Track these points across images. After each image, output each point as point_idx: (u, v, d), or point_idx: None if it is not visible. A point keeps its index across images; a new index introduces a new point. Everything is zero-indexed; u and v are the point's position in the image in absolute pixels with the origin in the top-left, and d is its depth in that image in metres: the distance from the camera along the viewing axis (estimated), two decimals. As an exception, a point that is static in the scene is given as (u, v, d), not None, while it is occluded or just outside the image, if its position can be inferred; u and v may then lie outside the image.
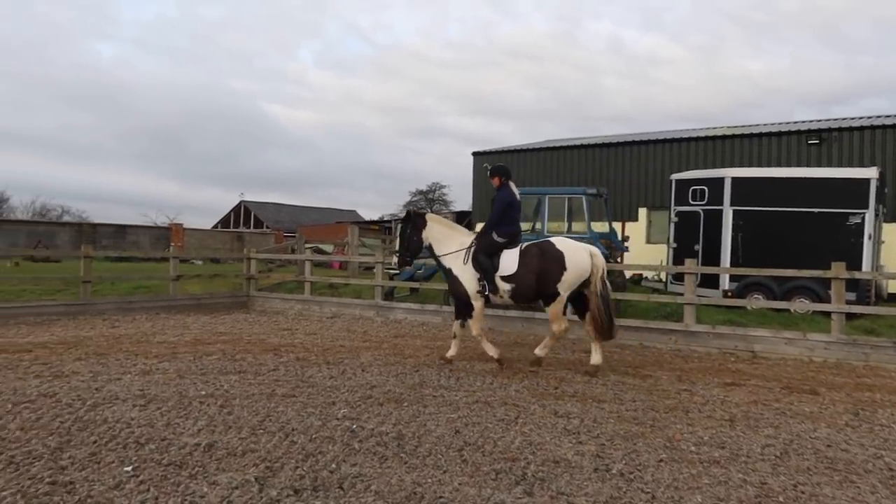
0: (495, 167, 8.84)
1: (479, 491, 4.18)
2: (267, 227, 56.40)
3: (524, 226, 13.99)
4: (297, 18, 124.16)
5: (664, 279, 14.84)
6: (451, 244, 8.66)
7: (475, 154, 25.70)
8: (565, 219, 13.06)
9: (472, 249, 8.45)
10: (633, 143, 22.40)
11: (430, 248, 8.82)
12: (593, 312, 8.14)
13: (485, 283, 8.33)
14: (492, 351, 8.49)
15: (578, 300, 8.42)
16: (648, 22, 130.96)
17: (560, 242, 8.39)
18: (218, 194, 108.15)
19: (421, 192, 67.27)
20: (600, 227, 13.34)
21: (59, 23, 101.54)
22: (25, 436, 5.03)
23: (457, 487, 4.24)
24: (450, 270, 8.62)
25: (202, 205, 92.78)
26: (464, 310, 8.69)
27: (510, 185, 8.69)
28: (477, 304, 8.48)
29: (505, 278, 8.28)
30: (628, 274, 15.72)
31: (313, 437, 5.20)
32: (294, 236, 50.30)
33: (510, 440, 5.27)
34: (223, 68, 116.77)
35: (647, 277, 15.77)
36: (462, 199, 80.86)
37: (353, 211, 70.74)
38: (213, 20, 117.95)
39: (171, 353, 8.84)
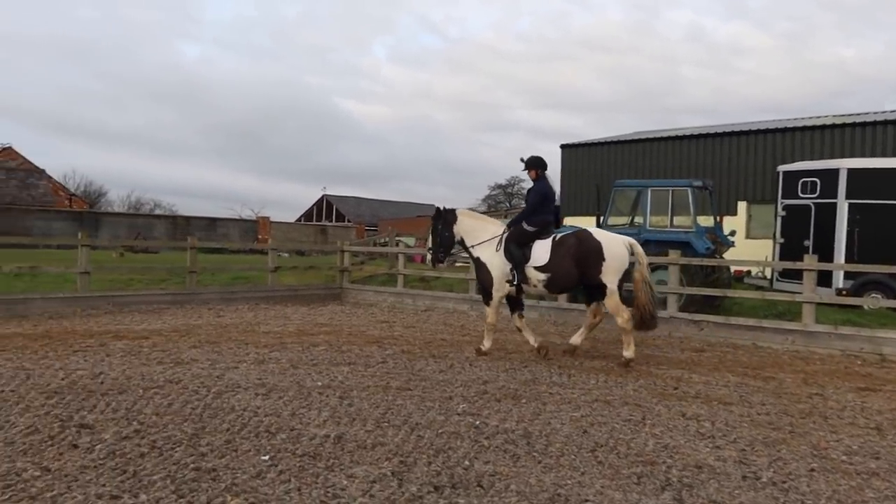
0: (531, 159, 8.79)
1: (624, 495, 3.99)
2: (348, 221, 57.39)
3: (621, 220, 13.66)
4: (371, 14, 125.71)
5: (770, 276, 14.12)
6: (482, 235, 8.79)
7: (563, 147, 25.24)
8: (668, 212, 12.57)
9: (505, 239, 8.52)
10: (731, 133, 21.43)
11: (461, 241, 8.97)
12: (639, 303, 8.18)
13: (514, 272, 8.41)
14: (487, 343, 8.64)
15: (597, 291, 8.35)
16: (731, 9, 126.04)
17: (597, 233, 8.50)
18: (294, 188, 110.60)
19: (500, 186, 67.02)
20: (704, 221, 12.79)
21: (146, 25, 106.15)
22: (161, 421, 5.14)
23: (600, 490, 4.06)
24: (478, 259, 8.74)
25: (281, 199, 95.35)
26: (484, 296, 8.88)
27: (546, 178, 8.76)
28: (497, 294, 8.63)
29: (538, 268, 8.36)
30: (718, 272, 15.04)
31: (439, 432, 5.12)
32: (374, 230, 51.09)
33: (642, 442, 5.05)
34: (299, 65, 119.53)
35: (749, 274, 15.06)
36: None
37: (432, 205, 71.02)
38: (290, 18, 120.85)
39: (279, 343, 8.98)
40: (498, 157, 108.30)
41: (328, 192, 64.20)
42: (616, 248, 8.23)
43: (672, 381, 7.33)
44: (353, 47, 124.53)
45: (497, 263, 8.54)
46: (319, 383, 6.63)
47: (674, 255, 10.92)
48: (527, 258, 8.37)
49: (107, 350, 8.01)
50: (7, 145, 54.59)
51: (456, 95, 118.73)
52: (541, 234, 8.45)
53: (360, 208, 63.26)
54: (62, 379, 6.37)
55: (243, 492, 3.84)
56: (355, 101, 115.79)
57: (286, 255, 32.79)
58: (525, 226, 8.50)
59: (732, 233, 13.42)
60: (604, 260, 8.12)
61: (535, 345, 8.63)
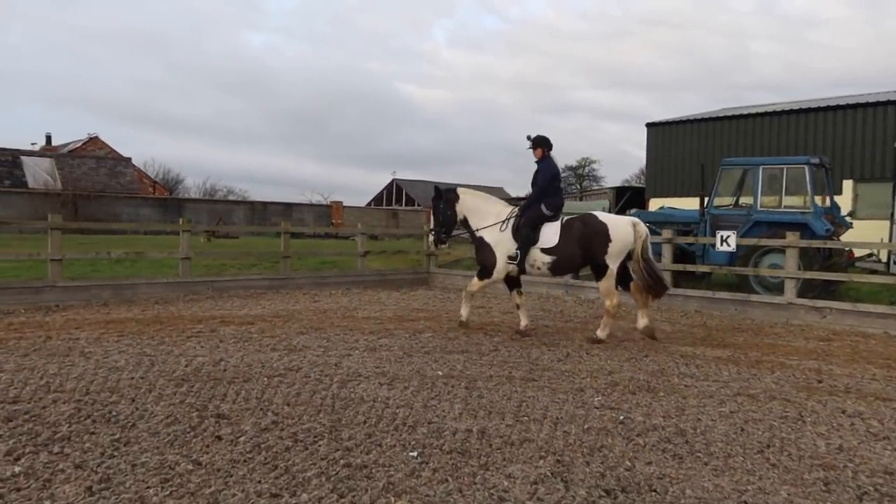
0: (538, 138, 8.63)
1: (818, 505, 3.59)
2: (418, 205, 57.44)
3: (726, 200, 12.97)
4: None
5: (888, 259, 13.19)
6: (487, 216, 8.68)
7: (649, 125, 24.35)
8: (782, 192, 11.82)
9: (518, 222, 8.39)
10: (835, 108, 20.17)
11: (464, 221, 8.81)
12: (640, 275, 8.26)
13: (517, 252, 8.34)
14: (465, 313, 8.85)
15: (623, 273, 8.38)
16: None
17: (602, 215, 8.48)
18: (357, 173, 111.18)
19: (571, 168, 65.87)
20: (819, 201, 12.00)
21: (212, 15, 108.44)
22: (295, 412, 5.00)
23: (787, 498, 3.68)
24: (481, 239, 8.61)
25: (345, 184, 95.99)
26: (481, 271, 8.80)
27: (552, 157, 8.64)
28: (497, 276, 8.60)
29: (545, 250, 8.31)
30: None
31: (585, 427, 4.80)
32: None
33: (811, 443, 4.62)
34: (360, 50, 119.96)
35: (867, 257, 14.12)
36: (612, 175, 78.46)
37: (501, 188, 70.44)
38: (351, 4, 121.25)
39: (384, 329, 8.82)
40: (561, 138, 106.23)
41: (398, 177, 64.40)
42: (622, 229, 8.23)
43: (812, 374, 6.80)
44: (414, 32, 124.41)
45: (502, 245, 8.45)
46: (440, 373, 6.41)
47: (791, 238, 10.24)
48: (535, 240, 8.31)
49: (219, 336, 8.00)
50: (94, 135, 56.96)
51: (517, 77, 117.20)
52: (552, 217, 8.41)
53: (429, 192, 63.08)
54: (185, 366, 6.34)
55: (404, 492, 3.62)
56: (416, 86, 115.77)
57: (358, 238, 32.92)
58: (544, 209, 8.40)
59: (851, 213, 12.56)
60: (610, 241, 8.13)
61: (523, 326, 8.66)
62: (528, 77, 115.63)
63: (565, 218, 8.43)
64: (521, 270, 8.56)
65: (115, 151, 50.05)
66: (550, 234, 8.31)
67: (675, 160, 22.22)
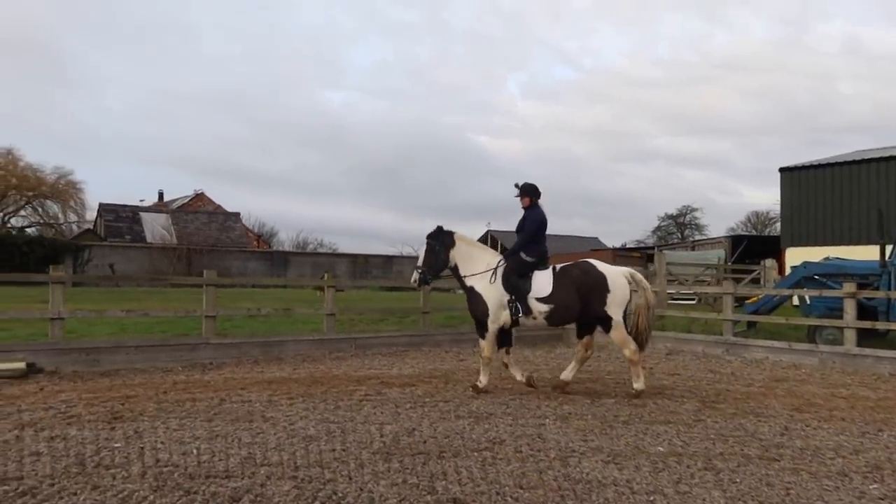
0: (526, 186, 8.48)
1: None
2: (514, 256, 56.80)
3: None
4: (504, 52, 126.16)
5: None
6: (477, 264, 8.34)
7: (783, 170, 22.97)
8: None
9: (504, 270, 8.15)
10: None
11: (454, 268, 8.43)
12: (640, 329, 8.19)
13: (516, 304, 8.06)
14: (484, 380, 8.18)
15: (588, 325, 8.32)
16: (893, 16, 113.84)
17: (599, 264, 8.38)
18: (433, 225, 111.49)
19: (671, 217, 63.92)
20: None
21: (293, 75, 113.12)
22: (535, 497, 4.40)
23: None
24: (472, 289, 8.27)
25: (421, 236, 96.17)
26: (478, 329, 8.41)
27: (539, 206, 8.45)
28: (493, 326, 8.19)
29: (540, 300, 8.03)
30: None
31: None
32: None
33: None
34: (435, 104, 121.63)
35: None
36: (714, 224, 75.66)
37: (595, 238, 69.03)
38: (425, 61, 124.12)
39: (562, 395, 8.16)
40: (641, 187, 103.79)
41: (492, 228, 64.18)
42: (619, 279, 8.15)
43: None
44: (487, 85, 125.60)
45: (493, 294, 8.14)
46: (661, 448, 5.68)
47: None
48: (528, 289, 8.04)
49: (390, 399, 7.55)
50: (200, 191, 59.68)
51: (591, 126, 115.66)
52: (538, 265, 8.19)
53: (523, 243, 62.51)
54: (380, 437, 5.86)
55: None
56: (489, 137, 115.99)
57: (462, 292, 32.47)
58: (524, 256, 8.20)
59: None
60: (608, 292, 8.00)
61: (523, 379, 8.40)
62: (603, 126, 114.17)
63: (559, 266, 8.26)
64: (515, 322, 8.21)
65: (221, 207, 52.10)
66: (543, 282, 8.08)
67: (816, 207, 20.83)
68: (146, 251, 34.69)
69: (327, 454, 5.28)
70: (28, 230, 40.85)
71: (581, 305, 8.02)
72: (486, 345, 8.26)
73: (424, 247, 8.52)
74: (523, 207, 8.49)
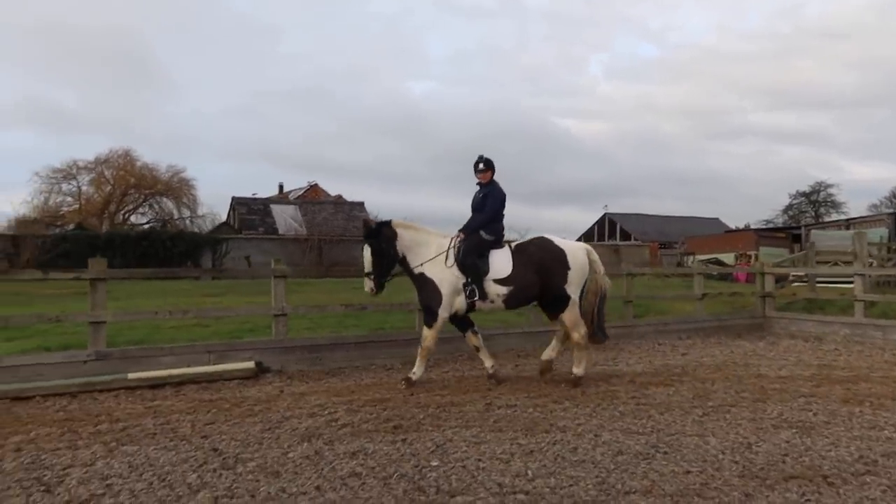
0: (489, 160, 7.82)
1: None
2: (635, 239, 54.74)
3: None
4: (586, 33, 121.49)
5: None
6: (427, 250, 7.61)
7: None
8: None
9: (463, 250, 7.49)
10: None
11: (402, 260, 7.63)
12: (589, 313, 7.79)
13: (472, 287, 7.42)
14: (419, 371, 7.59)
15: (556, 304, 7.74)
16: None
17: (557, 240, 7.89)
18: (520, 209, 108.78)
19: (803, 195, 59.70)
20: None
21: (376, 68, 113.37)
22: None
23: None
24: (422, 276, 7.55)
25: (514, 222, 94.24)
26: (426, 316, 7.70)
27: (497, 182, 7.88)
28: (444, 314, 7.53)
29: (499, 281, 7.49)
30: None
31: None
32: (669, 247, 47.86)
33: None
34: (517, 89, 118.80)
35: None
36: (851, 202, 70.20)
37: (716, 219, 65.62)
38: (506, 47, 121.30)
39: (852, 396, 7.00)
40: (736, 164, 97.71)
41: (610, 210, 62.10)
42: (579, 255, 7.76)
43: None
44: (570, 68, 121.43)
45: (447, 279, 7.48)
46: None
47: None
48: (486, 270, 7.47)
49: (659, 401, 6.64)
50: (313, 183, 60.81)
51: (679, 104, 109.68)
52: (495, 244, 7.64)
53: (644, 225, 60.14)
54: (721, 453, 4.94)
55: None
56: (574, 120, 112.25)
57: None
58: (484, 234, 7.62)
59: None
60: (569, 269, 7.60)
61: (491, 370, 7.79)
62: (692, 103, 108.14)
63: (513, 244, 7.80)
64: (471, 307, 7.59)
65: (341, 196, 52.67)
66: (502, 261, 7.56)
67: None
68: (279, 242, 35.19)
69: (683, 477, 4.41)
70: (146, 226, 42.58)
71: (540, 284, 7.56)
72: (430, 334, 7.56)
73: (367, 250, 7.51)
74: (481, 183, 7.87)
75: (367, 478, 4.44)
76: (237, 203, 43.75)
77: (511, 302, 7.69)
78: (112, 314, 7.97)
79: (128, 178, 43.34)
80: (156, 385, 7.44)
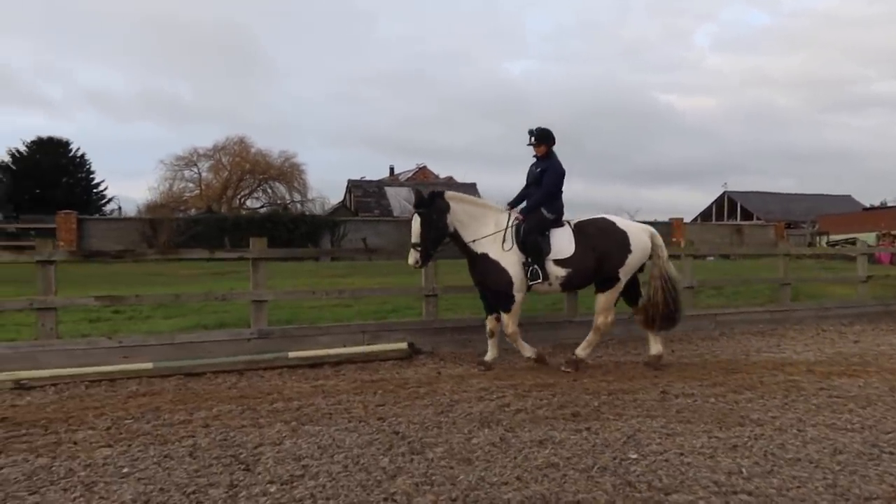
0: (542, 131, 7.39)
1: None
2: (758, 218, 51.85)
3: None
4: (690, 3, 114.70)
5: None
6: (483, 227, 7.22)
7: None
8: None
9: (524, 228, 7.15)
10: None
11: (454, 234, 7.22)
12: (655, 298, 7.30)
13: (536, 268, 7.04)
14: (528, 351, 7.50)
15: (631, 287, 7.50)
16: None
17: (620, 221, 7.50)
18: (619, 189, 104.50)
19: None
20: None
21: (473, 49, 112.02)
22: None
23: None
24: (485, 256, 7.14)
25: (610, 200, 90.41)
26: (501, 301, 7.25)
27: (555, 155, 7.44)
28: (519, 295, 7.17)
29: (559, 262, 7.15)
30: None
31: None
32: (796, 227, 45.03)
33: None
34: (618, 65, 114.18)
35: None
36: None
37: (848, 196, 61.11)
38: (606, 20, 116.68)
39: None
40: (858, 138, 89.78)
41: (730, 189, 59.09)
42: (642, 238, 7.39)
43: None
44: (674, 40, 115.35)
45: (512, 259, 7.10)
46: None
47: None
48: (549, 251, 7.13)
49: (856, 395, 6.03)
50: (423, 165, 61.23)
51: (794, 75, 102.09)
52: (556, 222, 7.30)
53: (766, 204, 56.83)
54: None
55: None
56: (677, 95, 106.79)
57: (712, 258, 29.72)
58: (545, 213, 7.25)
59: None
60: (629, 252, 7.23)
61: (490, 358, 7.49)
62: (808, 74, 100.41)
63: (574, 222, 7.41)
64: (527, 290, 7.23)
65: (452, 178, 52.79)
66: (564, 242, 7.19)
67: None
68: (394, 224, 35.57)
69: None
70: (262, 210, 44.13)
71: (596, 267, 7.20)
72: (509, 318, 7.27)
73: (416, 220, 7.05)
74: (538, 156, 7.49)
75: (567, 469, 4.20)
76: (353, 185, 44.72)
77: (567, 285, 7.39)
78: (273, 293, 8.14)
79: (243, 164, 45.24)
80: (315, 364, 7.53)
